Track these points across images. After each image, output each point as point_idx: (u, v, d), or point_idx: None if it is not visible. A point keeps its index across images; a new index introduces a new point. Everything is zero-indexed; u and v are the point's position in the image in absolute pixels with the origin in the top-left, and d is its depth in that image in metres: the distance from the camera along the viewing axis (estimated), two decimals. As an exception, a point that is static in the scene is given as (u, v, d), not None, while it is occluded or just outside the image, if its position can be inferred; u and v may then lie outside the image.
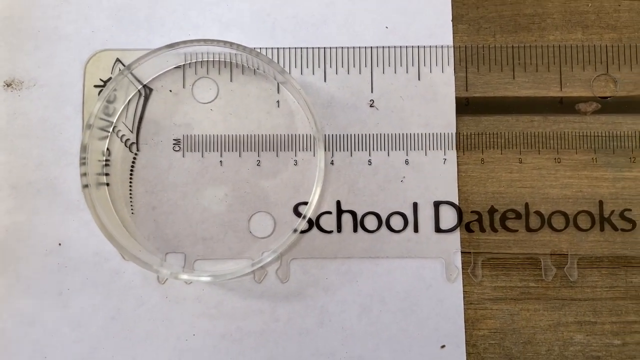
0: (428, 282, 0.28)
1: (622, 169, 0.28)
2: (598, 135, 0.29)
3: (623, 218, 0.28)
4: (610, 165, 0.28)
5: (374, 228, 0.28)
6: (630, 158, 0.28)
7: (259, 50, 0.29)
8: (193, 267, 0.28)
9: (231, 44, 0.27)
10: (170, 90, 0.29)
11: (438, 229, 0.28)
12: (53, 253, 0.28)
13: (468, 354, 0.27)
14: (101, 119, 0.28)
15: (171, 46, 0.27)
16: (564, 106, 0.29)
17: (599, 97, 0.29)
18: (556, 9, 0.30)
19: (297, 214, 0.28)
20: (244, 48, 0.27)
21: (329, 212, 0.28)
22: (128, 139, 0.29)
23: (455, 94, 0.29)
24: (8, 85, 0.29)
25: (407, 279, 0.28)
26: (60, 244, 0.28)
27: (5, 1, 0.30)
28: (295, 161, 0.29)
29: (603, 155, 0.29)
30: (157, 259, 0.28)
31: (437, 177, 0.28)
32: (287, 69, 0.29)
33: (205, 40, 0.27)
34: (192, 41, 0.27)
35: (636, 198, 0.28)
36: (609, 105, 0.29)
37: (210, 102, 0.29)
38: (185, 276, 0.27)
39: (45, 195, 0.29)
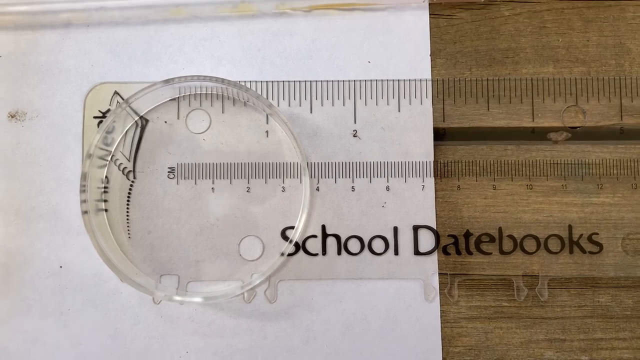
0: (407, 302, 0.30)
1: (590, 195, 0.30)
2: (568, 163, 0.30)
3: (591, 241, 0.30)
4: (580, 191, 0.30)
5: (357, 251, 0.30)
6: (598, 185, 0.30)
7: (249, 84, 0.31)
8: (186, 288, 0.30)
9: (222, 80, 0.29)
10: (165, 122, 0.31)
11: (417, 252, 0.30)
12: (54, 275, 0.30)
13: (445, 370, 0.29)
14: (100, 148, 0.30)
15: (167, 82, 0.29)
16: (536, 135, 0.31)
17: (569, 127, 0.31)
18: (529, 44, 0.31)
19: (285, 237, 0.30)
20: (235, 84, 0.29)
21: (315, 236, 0.30)
22: (125, 167, 0.30)
23: (433, 124, 0.31)
24: (12, 117, 0.31)
25: (387, 299, 0.30)
26: (61, 267, 0.30)
27: (10, 37, 0.31)
28: (283, 187, 0.30)
29: (573, 182, 0.30)
30: (152, 280, 0.29)
31: (416, 202, 0.30)
32: (275, 100, 0.31)
33: (198, 77, 0.29)
34: (186, 77, 0.29)
35: (603, 222, 0.30)
36: (579, 135, 0.31)
37: (203, 132, 0.31)
38: (178, 298, 0.28)
39: (47, 220, 0.30)
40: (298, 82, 0.31)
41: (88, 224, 0.29)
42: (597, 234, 0.30)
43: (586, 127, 0.31)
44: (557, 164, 0.30)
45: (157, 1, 0.31)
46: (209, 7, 0.31)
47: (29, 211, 0.30)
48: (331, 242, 0.30)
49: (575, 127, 0.31)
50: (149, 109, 0.31)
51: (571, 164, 0.30)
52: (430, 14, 0.31)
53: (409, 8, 0.31)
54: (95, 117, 0.31)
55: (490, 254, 0.30)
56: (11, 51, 0.31)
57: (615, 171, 0.30)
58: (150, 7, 0.31)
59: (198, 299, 0.28)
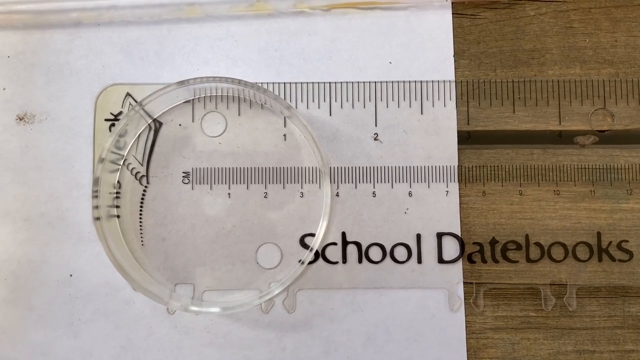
0: (431, 312, 0.29)
1: (619, 201, 0.29)
2: (596, 168, 0.29)
3: (620, 249, 0.29)
4: (608, 197, 0.29)
5: (379, 259, 0.29)
6: (627, 190, 0.29)
7: (265, 86, 0.30)
8: (202, 297, 0.29)
9: (239, 81, 0.28)
10: (180, 124, 0.30)
11: (441, 260, 0.29)
12: (65, 284, 0.29)
13: (470, 382, 0.28)
14: (112, 152, 0.29)
15: (181, 83, 0.28)
16: (563, 139, 0.30)
17: (597, 130, 0.30)
18: (555, 45, 0.30)
19: (303, 245, 0.29)
20: (252, 85, 0.28)
21: (335, 244, 0.29)
22: (138, 172, 0.29)
23: (457, 127, 0.30)
24: (21, 119, 0.30)
25: (411, 309, 0.29)
26: (71, 275, 0.29)
27: (17, 36, 0.30)
28: (302, 193, 0.29)
29: (601, 188, 0.29)
30: (166, 290, 0.28)
31: (440, 208, 0.29)
32: (293, 103, 0.30)
33: (214, 78, 0.28)
34: (201, 78, 0.28)
35: (633, 229, 0.29)
36: (607, 139, 0.30)
37: (218, 135, 0.30)
38: (195, 308, 0.27)
39: (57, 226, 0.29)
40: (317, 84, 0.30)
41: (100, 231, 0.28)
42: (626, 241, 0.29)
43: (615, 130, 0.30)
44: (585, 168, 0.29)
45: (170, 0, 0.30)
46: (224, 6, 0.30)
47: (38, 217, 0.29)
48: (352, 250, 0.29)
49: (604, 131, 0.30)
50: (162, 111, 0.30)
51: (599, 168, 0.29)
52: (453, 14, 0.30)
53: (432, 7, 0.30)
54: (106, 120, 0.30)
55: (517, 262, 0.29)
56: (19, 51, 0.30)
57: (645, 176, 0.29)
58: (163, 5, 0.30)
59: (215, 309, 0.27)
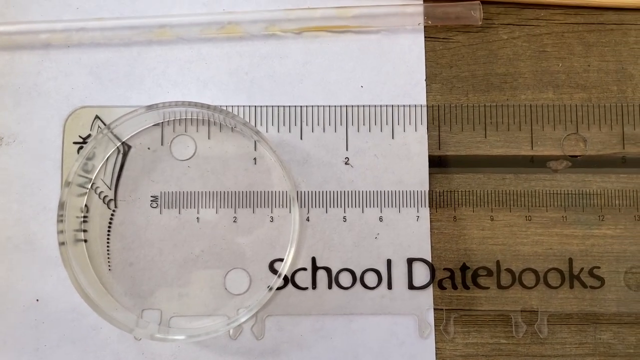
0: (401, 338, 0.28)
1: (591, 227, 0.29)
2: (568, 193, 0.29)
3: (592, 275, 0.29)
4: (580, 222, 0.29)
5: (349, 285, 0.29)
6: (600, 216, 0.29)
7: (236, 109, 0.29)
8: (169, 324, 0.28)
9: (208, 106, 0.28)
10: (149, 148, 0.29)
11: (411, 286, 0.29)
12: (30, 309, 0.28)
13: (440, 410, 0.28)
14: (80, 175, 0.28)
15: (150, 107, 0.27)
16: (535, 164, 0.30)
17: (570, 155, 0.30)
18: (528, 69, 0.30)
19: (273, 270, 0.29)
20: (221, 110, 0.28)
21: (304, 269, 0.29)
22: (106, 196, 0.29)
23: (429, 152, 0.29)
24: (-12, 142, 0.29)
25: (380, 336, 0.28)
26: (37, 300, 0.29)
27: (-14, 58, 0.30)
28: (272, 217, 0.29)
29: (573, 213, 0.29)
30: (133, 316, 0.28)
31: (411, 234, 0.29)
32: (264, 126, 0.30)
33: (183, 102, 0.28)
34: (170, 103, 0.28)
35: (605, 256, 0.29)
36: (579, 164, 0.30)
37: (188, 159, 0.29)
38: (160, 336, 0.27)
39: (23, 250, 0.29)
40: (288, 107, 0.30)
41: (65, 256, 0.27)
42: (598, 267, 0.29)
43: (587, 155, 0.30)
44: (557, 194, 0.29)
45: (140, 22, 0.30)
46: (195, 29, 0.30)
47: (5, 241, 0.29)
48: (322, 276, 0.29)
49: (576, 156, 0.30)
50: (131, 134, 0.29)
51: (571, 194, 0.29)
52: (425, 37, 0.30)
53: (404, 31, 0.30)
54: (75, 143, 0.30)
55: (487, 288, 0.29)
56: (-13, 73, 0.30)
57: (617, 202, 0.29)
58: (134, 28, 0.30)
59: (180, 337, 0.27)
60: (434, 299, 0.29)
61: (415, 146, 0.29)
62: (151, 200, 0.29)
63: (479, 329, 0.29)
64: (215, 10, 0.30)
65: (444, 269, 0.29)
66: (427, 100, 0.30)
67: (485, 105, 0.30)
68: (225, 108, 0.29)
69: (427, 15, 0.30)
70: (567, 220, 0.29)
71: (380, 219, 0.29)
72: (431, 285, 0.29)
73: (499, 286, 0.29)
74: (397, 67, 0.30)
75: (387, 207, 0.29)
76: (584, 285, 0.29)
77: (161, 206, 0.29)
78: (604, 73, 0.30)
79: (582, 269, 0.29)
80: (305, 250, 0.29)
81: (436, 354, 0.28)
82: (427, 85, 0.30)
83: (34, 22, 0.30)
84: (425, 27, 0.30)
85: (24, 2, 0.30)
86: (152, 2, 0.31)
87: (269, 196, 0.29)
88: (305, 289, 0.29)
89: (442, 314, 0.29)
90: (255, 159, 0.29)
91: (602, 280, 0.29)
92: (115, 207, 0.29)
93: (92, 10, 0.30)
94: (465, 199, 0.29)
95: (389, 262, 0.29)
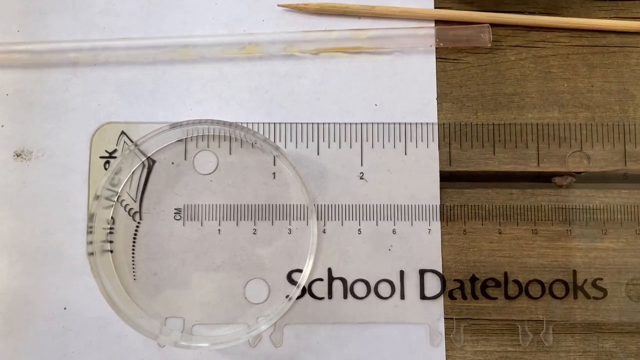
0: (413, 346, 0.30)
1: (594, 240, 0.30)
2: (573, 208, 0.31)
3: (595, 287, 0.30)
4: (584, 236, 0.30)
5: (363, 295, 0.30)
6: (602, 230, 0.30)
7: (256, 125, 0.31)
8: (191, 331, 0.30)
9: (230, 124, 0.29)
10: (173, 163, 0.31)
11: (423, 296, 0.30)
12: (58, 317, 0.30)
13: (450, 415, 0.29)
14: (107, 189, 0.30)
15: (174, 125, 0.29)
16: (541, 180, 0.31)
17: (574, 172, 0.31)
18: (534, 89, 0.32)
19: (291, 280, 0.30)
20: (242, 127, 0.29)
21: (321, 279, 0.30)
22: (132, 208, 0.30)
23: (440, 167, 0.31)
24: (18, 155, 0.31)
25: (393, 344, 0.30)
26: (65, 308, 0.30)
27: (16, 75, 0.31)
28: (290, 230, 0.30)
29: (577, 227, 0.31)
30: (157, 323, 0.29)
31: (422, 246, 0.30)
32: (283, 142, 0.31)
33: (206, 120, 0.29)
34: (194, 121, 0.29)
35: (607, 268, 0.30)
36: (583, 180, 0.31)
37: (210, 173, 0.31)
38: (184, 343, 0.28)
39: (51, 260, 0.30)
40: (305, 124, 0.31)
41: (94, 265, 0.28)
42: (601, 279, 0.30)
43: (591, 172, 0.31)
44: (562, 208, 0.31)
45: (164, 42, 0.31)
46: (217, 49, 0.31)
47: (34, 251, 0.30)
48: (337, 286, 0.30)
49: (580, 172, 0.31)
50: (156, 149, 0.31)
51: (576, 208, 0.31)
52: (437, 58, 0.32)
53: (416, 52, 0.32)
54: (101, 157, 0.31)
55: (496, 298, 0.30)
56: (18, 90, 0.31)
57: (619, 216, 0.31)
58: (158, 47, 0.31)
59: (204, 345, 0.28)
60: (444, 308, 0.30)
61: (427, 162, 0.31)
62: (175, 213, 0.30)
63: (487, 338, 0.30)
64: (236, 31, 0.32)
65: (454, 279, 0.30)
66: (438, 118, 0.31)
67: (493, 124, 0.31)
68: (245, 125, 0.31)
69: (438, 38, 0.31)
70: (572, 233, 0.30)
71: (394, 231, 0.30)
72: (442, 295, 0.30)
73: (507, 297, 0.30)
74: (409, 87, 0.31)
75: (400, 220, 0.30)
76: (587, 296, 0.30)
77: (184, 218, 0.30)
78: (606, 93, 0.32)
79: (585, 280, 0.30)
80: (321, 261, 0.30)
81: (447, 361, 0.30)
82: (438, 104, 0.31)
83: (62, 41, 0.31)
84: (436, 48, 0.32)
85: (54, 23, 0.32)
86: (176, 23, 0.32)
87: (287, 209, 0.30)
88: (322, 298, 0.30)
89: (453, 323, 0.30)
90: (274, 173, 0.31)
91: (604, 291, 0.30)
92: (140, 219, 0.30)
93: (118, 31, 0.32)
94: (475, 213, 0.31)
95: (401, 273, 0.30)
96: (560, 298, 0.30)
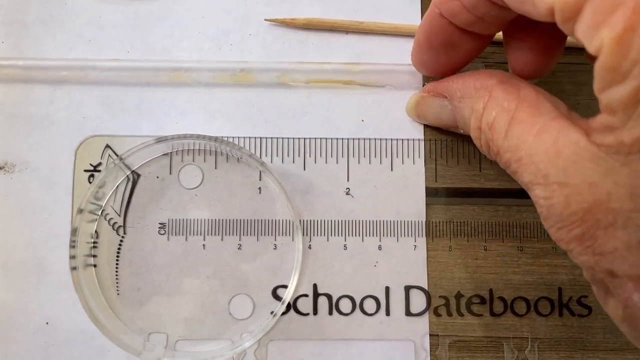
0: (398, 363, 0.30)
1: (579, 257, 0.30)
2: (558, 225, 0.31)
3: (580, 304, 0.30)
4: (569, 253, 0.30)
5: (349, 311, 0.30)
6: (587, 247, 0.30)
7: (242, 140, 0.31)
8: (175, 347, 0.29)
9: (216, 139, 0.29)
10: (157, 177, 0.30)
11: (408, 313, 0.30)
12: (40, 331, 0.29)
13: None
14: (91, 203, 0.29)
15: (160, 139, 0.29)
16: (527, 197, 0.31)
17: (559, 188, 0.31)
18: (520, 105, 0.32)
19: (276, 296, 0.30)
20: (227, 142, 0.29)
21: (306, 295, 0.30)
22: (115, 222, 0.30)
23: (425, 184, 0.31)
24: (1, 168, 0.30)
25: (378, 361, 0.30)
26: (47, 323, 0.30)
27: (0, 87, 0.31)
28: (275, 245, 0.30)
29: (562, 244, 0.30)
30: (140, 339, 0.29)
31: (408, 262, 0.30)
32: (269, 156, 0.31)
33: (192, 135, 0.29)
34: (179, 135, 0.29)
35: (592, 285, 0.30)
36: (568, 197, 0.31)
37: (195, 187, 0.30)
38: (166, 359, 0.28)
39: (34, 274, 0.30)
40: (292, 139, 0.31)
41: (77, 281, 0.28)
42: (586, 296, 0.30)
43: (576, 189, 0.31)
44: (548, 225, 0.31)
45: (155, 65, 0.31)
46: (209, 74, 0.31)
47: (16, 265, 0.30)
48: (322, 302, 0.30)
49: (566, 189, 0.31)
50: (141, 163, 0.30)
51: (561, 225, 0.31)
52: (423, 76, 0.32)
53: (409, 88, 0.31)
54: (86, 171, 0.31)
55: (481, 315, 0.30)
56: (1, 102, 0.31)
57: (604, 234, 0.31)
58: (149, 69, 0.31)
59: (187, 361, 0.28)
60: (429, 325, 0.30)
61: (413, 178, 0.31)
62: (159, 227, 0.30)
63: (473, 355, 0.30)
64: (222, 45, 0.32)
65: (440, 296, 0.30)
66: (424, 134, 0.31)
67: (480, 140, 0.31)
68: (231, 139, 0.31)
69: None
70: (557, 251, 0.30)
71: (380, 247, 0.30)
72: (427, 312, 0.30)
73: (492, 313, 0.30)
74: (396, 102, 0.31)
75: (386, 236, 0.30)
76: (572, 313, 0.30)
77: (169, 233, 0.30)
78: (592, 111, 0.32)
79: (571, 297, 0.30)
80: (307, 277, 0.30)
81: (431, 378, 0.30)
82: (425, 120, 0.31)
83: (48, 60, 0.31)
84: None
85: (39, 34, 0.32)
86: (162, 36, 0.32)
87: (272, 224, 0.30)
88: (307, 314, 0.30)
89: (438, 340, 0.30)
90: (260, 188, 0.31)
91: (589, 308, 0.30)
92: (124, 233, 0.30)
93: (104, 42, 0.32)
94: (461, 229, 0.31)
95: (387, 289, 0.30)
96: (546, 315, 0.30)
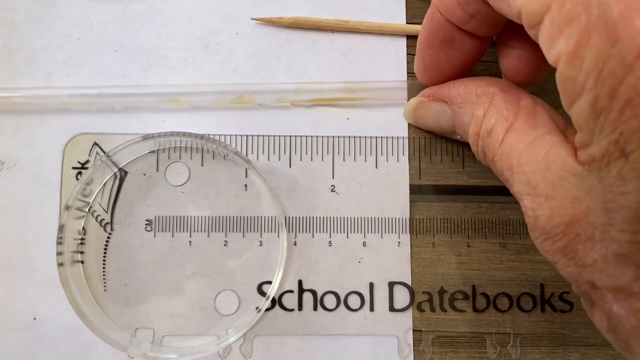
0: (381, 358, 0.30)
1: (561, 254, 0.31)
2: (540, 222, 0.31)
3: (562, 300, 0.31)
4: (551, 249, 0.31)
5: (333, 307, 0.30)
6: (569, 243, 0.31)
7: (229, 137, 0.31)
8: (161, 342, 0.30)
9: (202, 136, 0.29)
10: (144, 174, 0.31)
11: (392, 308, 0.30)
12: (28, 327, 0.30)
13: None
14: (78, 199, 0.30)
15: (147, 137, 0.29)
16: (510, 194, 0.31)
17: (542, 186, 0.31)
18: (504, 104, 0.32)
19: (261, 292, 0.30)
20: (214, 140, 0.29)
21: (291, 291, 0.30)
22: (103, 219, 0.30)
23: (409, 181, 0.31)
24: (-10, 166, 0.31)
25: (362, 356, 0.30)
26: (35, 319, 0.30)
27: (-11, 85, 0.31)
28: (261, 242, 0.31)
29: (545, 241, 0.31)
30: (127, 334, 0.29)
31: (392, 258, 0.31)
32: (254, 154, 0.31)
33: (178, 133, 0.29)
34: (166, 133, 0.29)
35: (574, 281, 0.31)
36: (551, 194, 0.31)
37: (181, 185, 0.31)
38: (152, 354, 0.28)
39: (22, 271, 0.30)
40: (277, 137, 0.31)
41: (64, 277, 0.28)
42: (567, 292, 0.31)
43: (558, 186, 0.31)
44: (530, 222, 0.31)
45: (156, 90, 0.31)
46: (209, 97, 0.31)
47: (5, 262, 0.30)
48: (307, 298, 0.30)
49: (548, 186, 0.31)
50: (128, 161, 0.31)
51: (544, 222, 0.31)
52: (408, 73, 0.32)
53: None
54: (73, 168, 0.31)
55: (464, 311, 0.30)
56: (-10, 100, 0.31)
57: (586, 230, 0.31)
58: (149, 95, 0.31)
59: (173, 356, 0.28)
60: (413, 320, 0.30)
61: (397, 176, 0.31)
62: (146, 224, 0.30)
63: (456, 350, 0.30)
64: (210, 44, 0.32)
65: (423, 292, 0.31)
66: (408, 132, 0.32)
67: (463, 138, 0.32)
68: (218, 137, 0.31)
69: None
70: (539, 247, 0.31)
71: (364, 244, 0.31)
72: (411, 307, 0.30)
73: (475, 309, 0.30)
74: (381, 101, 0.32)
75: (370, 232, 0.31)
76: (554, 309, 0.31)
77: (155, 230, 0.30)
78: (574, 109, 0.32)
79: (552, 293, 0.31)
80: (292, 273, 0.30)
81: (415, 373, 0.30)
82: (409, 118, 0.32)
83: (40, 88, 0.31)
84: (408, 63, 0.32)
85: (28, 34, 0.32)
86: (150, 36, 0.32)
87: (258, 221, 0.31)
88: (292, 310, 0.30)
89: (421, 335, 0.30)
90: (246, 185, 0.31)
91: (571, 304, 0.31)
92: (112, 230, 0.30)
93: (93, 41, 0.32)
94: (444, 226, 0.31)
95: (371, 285, 0.30)
96: (528, 311, 0.30)
